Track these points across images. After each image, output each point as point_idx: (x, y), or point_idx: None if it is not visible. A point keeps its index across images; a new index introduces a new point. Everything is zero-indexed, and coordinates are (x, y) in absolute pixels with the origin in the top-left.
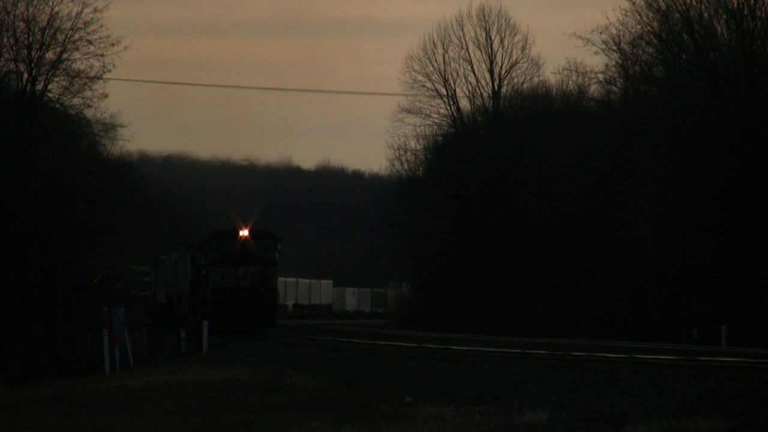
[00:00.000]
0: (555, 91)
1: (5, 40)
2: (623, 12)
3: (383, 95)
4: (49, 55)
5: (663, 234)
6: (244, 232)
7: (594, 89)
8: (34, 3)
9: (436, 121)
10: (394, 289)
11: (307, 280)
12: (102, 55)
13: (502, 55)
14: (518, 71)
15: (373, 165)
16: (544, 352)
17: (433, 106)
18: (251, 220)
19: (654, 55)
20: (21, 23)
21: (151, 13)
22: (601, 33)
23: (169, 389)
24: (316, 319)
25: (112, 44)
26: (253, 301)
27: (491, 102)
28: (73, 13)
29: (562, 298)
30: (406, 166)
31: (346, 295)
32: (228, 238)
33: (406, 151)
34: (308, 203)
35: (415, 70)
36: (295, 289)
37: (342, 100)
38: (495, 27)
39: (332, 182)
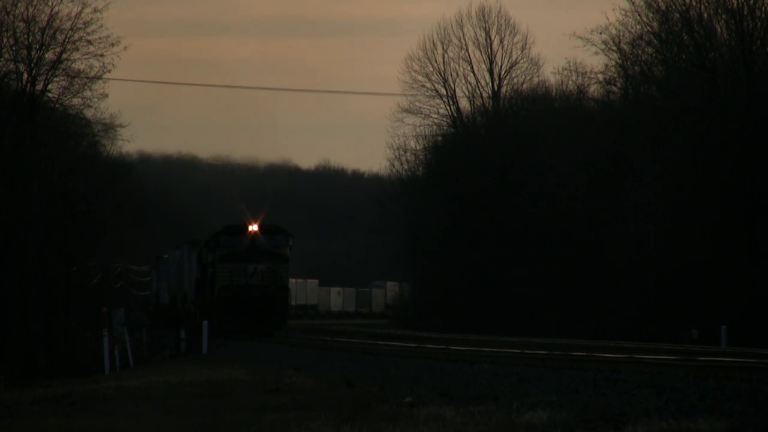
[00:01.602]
0: (555, 91)
1: (5, 40)
2: (623, 12)
3: (383, 95)
4: (49, 55)
5: (663, 234)
6: (254, 227)
7: (594, 89)
8: (34, 3)
9: (436, 121)
10: (379, 288)
11: (293, 280)
12: (102, 55)
13: (502, 55)
14: (518, 71)
15: (373, 165)
16: (543, 352)
17: (433, 106)
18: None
19: (654, 55)
20: (21, 23)
21: (150, 13)
22: (600, 33)
23: (169, 389)
24: (302, 319)
25: (112, 44)
26: (263, 300)
27: (491, 102)
28: (73, 14)
29: (562, 298)
30: (405, 166)
31: (331, 294)
32: (236, 234)
33: (405, 151)
34: (308, 203)
35: (415, 70)
36: None
37: (342, 100)
38: (495, 27)
39: (332, 182)
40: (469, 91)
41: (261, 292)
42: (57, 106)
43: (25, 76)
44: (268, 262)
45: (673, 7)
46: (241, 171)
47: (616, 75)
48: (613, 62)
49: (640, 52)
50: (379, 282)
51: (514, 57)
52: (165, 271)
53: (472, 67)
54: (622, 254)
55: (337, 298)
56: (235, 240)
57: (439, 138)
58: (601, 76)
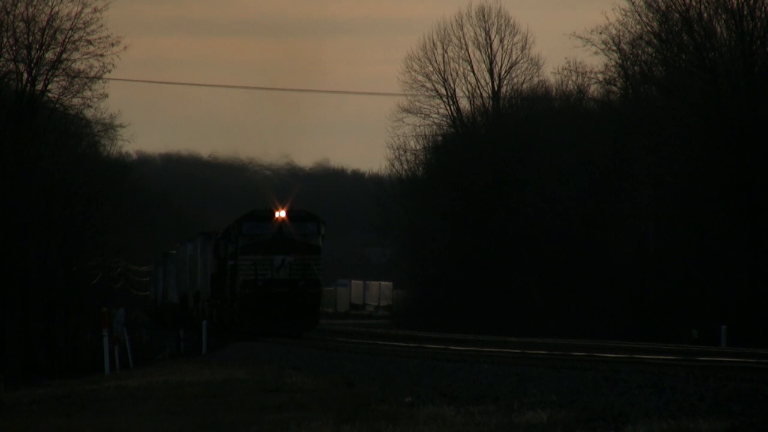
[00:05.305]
0: (555, 91)
1: (5, 40)
2: (623, 12)
3: (383, 95)
4: (49, 55)
5: (663, 234)
6: (281, 213)
7: (594, 89)
8: (34, 3)
9: (436, 121)
10: (344, 288)
11: None
12: (102, 55)
13: (502, 55)
14: (518, 71)
15: (373, 165)
16: (544, 352)
17: (433, 106)
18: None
19: (654, 55)
20: (21, 23)
21: (150, 13)
22: (600, 33)
23: (169, 389)
24: None
25: (112, 44)
26: (292, 296)
27: (491, 102)
28: (73, 14)
29: (562, 298)
30: (405, 166)
31: None
32: (261, 221)
33: (405, 151)
34: (307, 203)
35: (415, 70)
36: None
37: (342, 100)
38: (495, 27)
39: (332, 182)
40: (469, 91)
41: (289, 288)
42: (57, 106)
43: (25, 76)
44: (298, 253)
45: (673, 7)
46: (241, 171)
47: (616, 75)
48: (613, 62)
49: (640, 52)
50: (343, 281)
51: (514, 57)
52: (173, 268)
53: (472, 67)
54: (622, 254)
55: None
56: (260, 228)
57: (439, 138)
58: (601, 76)
